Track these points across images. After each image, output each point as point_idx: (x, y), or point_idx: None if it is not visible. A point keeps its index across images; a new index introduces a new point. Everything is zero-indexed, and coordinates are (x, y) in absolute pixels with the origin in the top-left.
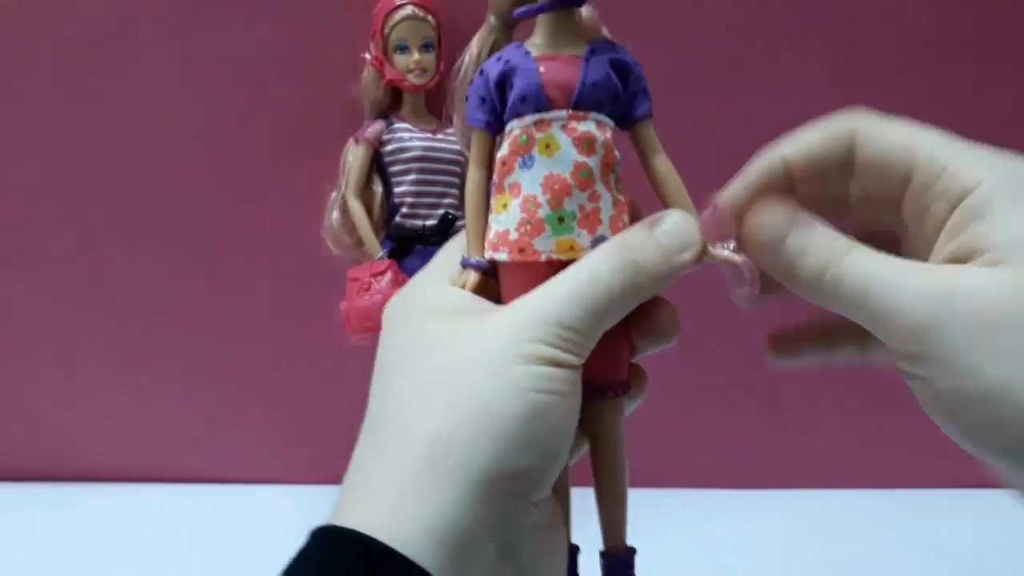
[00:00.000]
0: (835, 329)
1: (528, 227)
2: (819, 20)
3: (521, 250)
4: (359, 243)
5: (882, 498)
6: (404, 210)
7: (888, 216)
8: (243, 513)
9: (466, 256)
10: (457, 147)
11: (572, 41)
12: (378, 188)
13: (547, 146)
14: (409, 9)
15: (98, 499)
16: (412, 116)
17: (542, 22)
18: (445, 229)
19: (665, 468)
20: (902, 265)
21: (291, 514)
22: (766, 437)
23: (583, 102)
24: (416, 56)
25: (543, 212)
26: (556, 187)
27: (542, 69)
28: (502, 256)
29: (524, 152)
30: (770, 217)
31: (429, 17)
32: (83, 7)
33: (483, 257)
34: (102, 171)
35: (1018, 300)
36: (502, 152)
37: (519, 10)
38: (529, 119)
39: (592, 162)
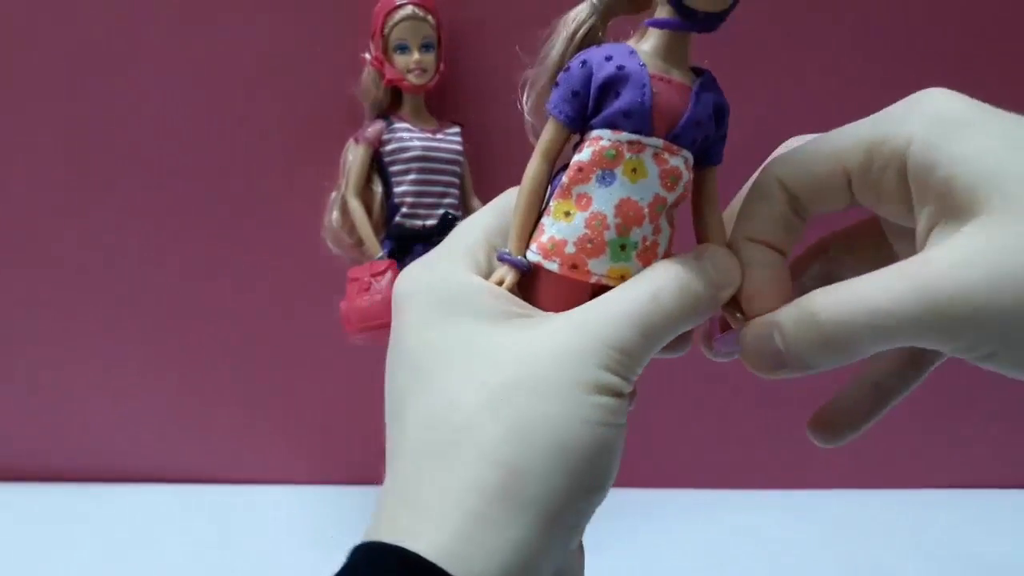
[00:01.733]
0: (884, 374)
1: (588, 246)
2: (819, 20)
3: (574, 267)
4: (359, 243)
5: (882, 498)
6: (404, 210)
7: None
8: (243, 513)
9: (506, 251)
10: (457, 147)
11: (682, 64)
12: (378, 188)
13: (634, 170)
14: (409, 9)
15: (98, 499)
16: (412, 116)
17: (657, 34)
18: (445, 229)
19: (665, 468)
20: (882, 278)
21: (291, 514)
22: (766, 437)
23: (682, 136)
24: (416, 56)
25: (609, 235)
26: (630, 214)
27: (656, 90)
28: (551, 266)
29: (607, 167)
30: (751, 336)
31: (429, 17)
32: (83, 7)
33: (525, 256)
34: (102, 171)
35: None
36: (581, 157)
37: (652, 20)
38: (625, 136)
39: (671, 198)
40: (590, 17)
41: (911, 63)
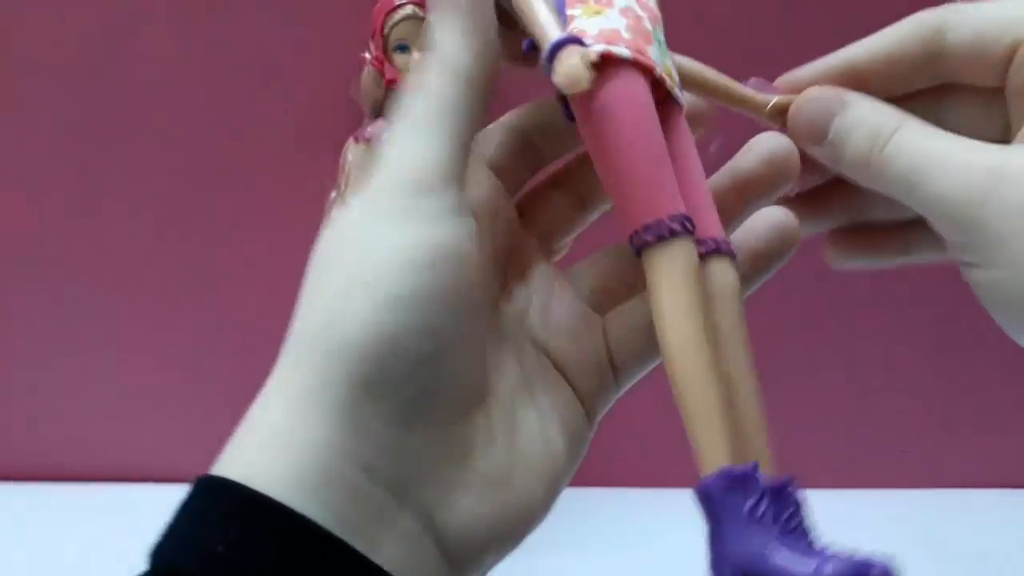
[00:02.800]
0: (907, 229)
1: (639, 34)
2: (819, 19)
3: (639, 51)
4: None
5: (882, 498)
6: None
7: (989, 113)
8: None
9: (558, 35)
10: None
11: None
12: None
13: None
14: (409, 9)
15: (98, 499)
16: None
17: None
18: None
19: (666, 468)
20: (956, 144)
21: None
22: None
23: None
24: (416, 56)
25: (647, 25)
26: (651, 12)
27: None
28: (622, 51)
29: None
30: (814, 96)
31: None
32: (83, 7)
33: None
34: (100, 170)
35: None
36: None
37: None
38: None
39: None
40: None
41: None
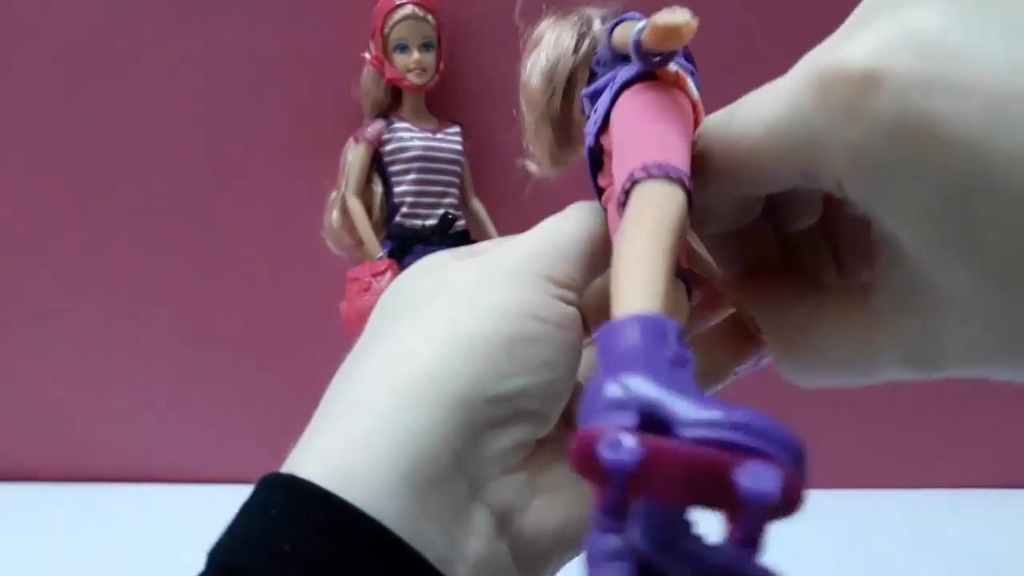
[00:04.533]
0: None
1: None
2: (819, 17)
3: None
4: (359, 243)
5: (882, 498)
6: (404, 210)
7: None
8: None
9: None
10: (457, 147)
11: None
12: (378, 188)
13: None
14: (409, 8)
15: (98, 499)
16: (412, 116)
17: None
18: (445, 229)
19: None
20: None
21: None
22: None
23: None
24: (416, 56)
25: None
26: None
27: None
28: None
29: None
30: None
31: (429, 16)
32: (83, 7)
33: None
34: (103, 171)
35: None
36: None
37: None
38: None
39: None
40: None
41: None
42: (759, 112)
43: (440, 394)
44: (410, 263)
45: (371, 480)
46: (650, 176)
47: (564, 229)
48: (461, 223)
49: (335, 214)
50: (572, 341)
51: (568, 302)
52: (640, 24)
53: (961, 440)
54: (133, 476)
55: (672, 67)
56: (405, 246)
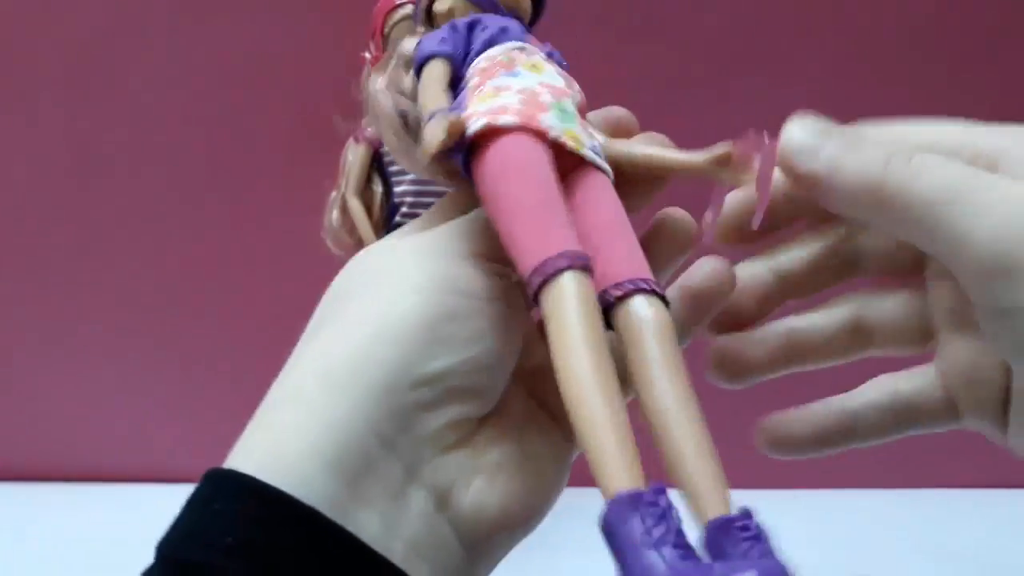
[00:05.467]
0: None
1: (533, 105)
2: (819, 18)
3: (528, 118)
4: (359, 243)
5: (882, 498)
6: (404, 209)
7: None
8: None
9: (437, 108)
10: None
11: None
12: (378, 188)
13: (534, 66)
14: (409, 8)
15: (98, 499)
16: None
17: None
18: None
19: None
20: (992, 178)
21: None
22: None
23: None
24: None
25: (546, 99)
26: (555, 89)
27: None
28: (507, 119)
29: (507, 67)
30: (801, 122)
31: None
32: (83, 7)
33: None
34: (102, 171)
35: None
36: (478, 65)
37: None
38: (512, 44)
39: (576, 97)
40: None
41: (912, 60)
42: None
43: (363, 381)
44: None
45: (300, 469)
46: (546, 279)
47: None
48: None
49: (335, 214)
50: (504, 313)
51: (501, 275)
52: (428, 114)
53: (961, 440)
54: (133, 476)
55: (472, 120)
56: None
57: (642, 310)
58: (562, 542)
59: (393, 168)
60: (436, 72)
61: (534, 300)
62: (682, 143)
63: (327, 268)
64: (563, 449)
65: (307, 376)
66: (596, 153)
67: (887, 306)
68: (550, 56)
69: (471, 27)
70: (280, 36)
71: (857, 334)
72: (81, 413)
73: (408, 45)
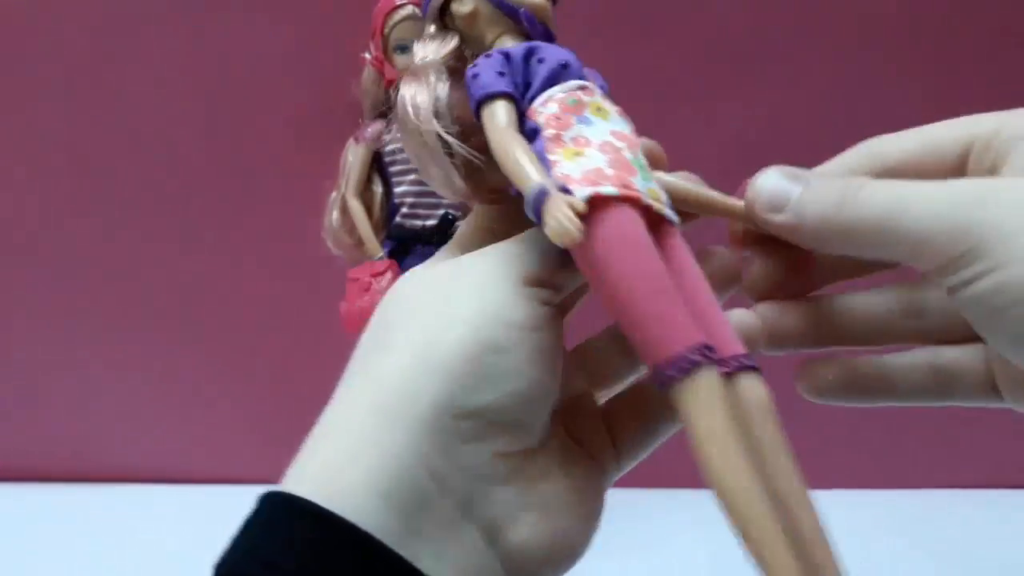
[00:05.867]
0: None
1: (621, 167)
2: (820, 18)
3: (625, 186)
4: (359, 243)
5: (882, 498)
6: (404, 210)
7: None
8: (243, 513)
9: (543, 183)
10: None
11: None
12: (378, 188)
13: (599, 109)
14: (409, 9)
15: (98, 499)
16: None
17: (513, 30)
18: (445, 229)
19: (666, 468)
20: (928, 183)
21: None
22: None
23: (604, 90)
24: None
25: (628, 155)
26: (627, 139)
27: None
28: (609, 189)
29: (577, 112)
30: (764, 177)
31: None
32: (83, 7)
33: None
34: (102, 171)
35: None
36: (550, 110)
37: (527, 16)
38: (575, 83)
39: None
40: (443, 77)
41: (912, 60)
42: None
43: (409, 413)
44: (410, 263)
45: (355, 498)
46: (683, 373)
47: (538, 232)
48: (461, 223)
49: (335, 214)
50: (547, 343)
51: (543, 301)
52: (534, 191)
53: (961, 440)
54: (133, 476)
55: (581, 195)
56: (405, 246)
57: (749, 391)
58: None
59: (393, 168)
60: (506, 117)
61: (662, 387)
62: (682, 143)
63: (327, 269)
64: (600, 482)
65: (359, 406)
66: (671, 208)
67: (934, 293)
68: (602, 88)
69: (527, 57)
70: (280, 36)
71: (907, 316)
72: (81, 413)
73: (432, 52)
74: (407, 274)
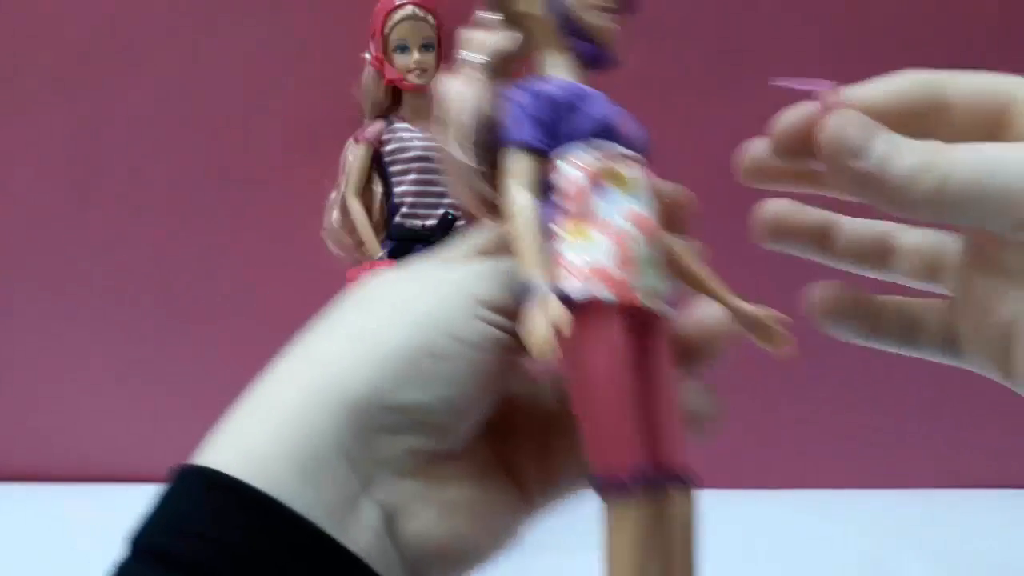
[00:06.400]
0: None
1: (625, 263)
2: (820, 18)
3: (624, 290)
4: (359, 243)
5: (882, 498)
6: (404, 210)
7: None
8: None
9: (537, 280)
10: None
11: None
12: (378, 188)
13: (624, 181)
14: (409, 9)
15: (98, 499)
16: (412, 116)
17: (564, 64)
18: (445, 229)
19: None
20: (1006, 145)
21: None
22: (766, 437)
23: (642, 146)
24: (416, 56)
25: (639, 250)
26: (644, 223)
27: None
28: (606, 295)
29: (600, 183)
30: (845, 118)
31: (429, 17)
32: (84, 7)
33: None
34: (102, 172)
35: None
36: (573, 175)
37: (578, 44)
38: (608, 149)
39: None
40: (488, 78)
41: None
42: None
43: (339, 397)
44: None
45: (272, 468)
46: (618, 491)
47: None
48: (461, 223)
49: (335, 214)
50: (489, 364)
51: (497, 325)
52: (528, 287)
53: (961, 440)
54: (133, 476)
55: (576, 293)
56: (405, 246)
57: (677, 507)
58: (563, 542)
59: (393, 168)
60: (527, 175)
61: (595, 489)
62: (682, 143)
63: (327, 268)
64: (518, 510)
65: (289, 383)
66: (666, 303)
67: (913, 235)
68: (639, 143)
69: (571, 107)
70: (280, 36)
71: (882, 248)
72: (80, 413)
73: (487, 50)
74: (382, 273)
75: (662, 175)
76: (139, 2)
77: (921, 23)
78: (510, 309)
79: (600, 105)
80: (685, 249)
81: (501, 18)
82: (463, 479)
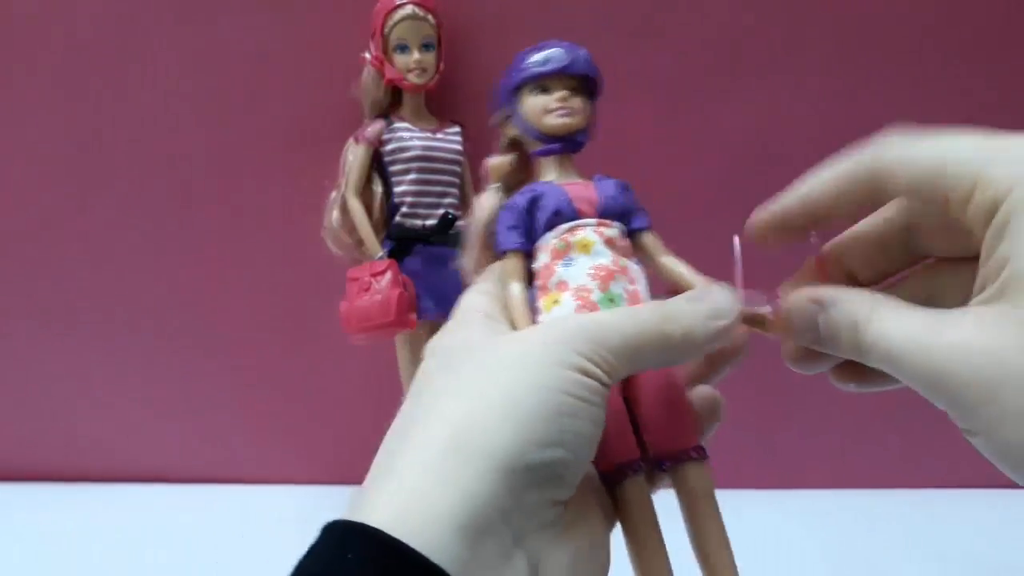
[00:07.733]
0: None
1: (584, 311)
2: (818, 18)
3: None
4: (359, 243)
5: (882, 498)
6: (404, 210)
7: (956, 241)
8: (243, 513)
9: None
10: (457, 147)
11: (577, 174)
12: (378, 188)
13: (584, 245)
14: (409, 8)
15: (98, 499)
16: (412, 116)
17: (549, 164)
18: (445, 228)
19: None
20: (919, 322)
21: (291, 514)
22: (766, 437)
23: (606, 213)
24: (416, 56)
25: (595, 296)
26: (603, 274)
27: (567, 190)
28: None
29: (563, 256)
30: (798, 306)
31: (429, 16)
32: (84, 7)
33: None
34: (102, 172)
35: (999, 348)
36: (540, 262)
37: (539, 149)
38: (564, 227)
39: (623, 257)
40: (497, 199)
41: (912, 59)
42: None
43: (491, 458)
44: (410, 263)
45: (432, 531)
46: (622, 477)
47: (609, 317)
48: (461, 223)
49: (335, 214)
50: (600, 415)
51: (601, 381)
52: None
53: (961, 440)
54: (133, 476)
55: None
56: (405, 246)
57: (694, 480)
58: None
59: (393, 168)
60: (514, 273)
61: (604, 483)
62: (682, 143)
63: (326, 268)
64: (608, 529)
65: (432, 445)
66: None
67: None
68: (598, 184)
69: (530, 209)
70: (280, 36)
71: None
72: (80, 413)
73: (495, 168)
74: (462, 314)
75: (662, 175)
76: (139, 2)
77: (921, 23)
78: (611, 368)
79: (552, 197)
80: (656, 246)
81: (505, 144)
82: (579, 521)
